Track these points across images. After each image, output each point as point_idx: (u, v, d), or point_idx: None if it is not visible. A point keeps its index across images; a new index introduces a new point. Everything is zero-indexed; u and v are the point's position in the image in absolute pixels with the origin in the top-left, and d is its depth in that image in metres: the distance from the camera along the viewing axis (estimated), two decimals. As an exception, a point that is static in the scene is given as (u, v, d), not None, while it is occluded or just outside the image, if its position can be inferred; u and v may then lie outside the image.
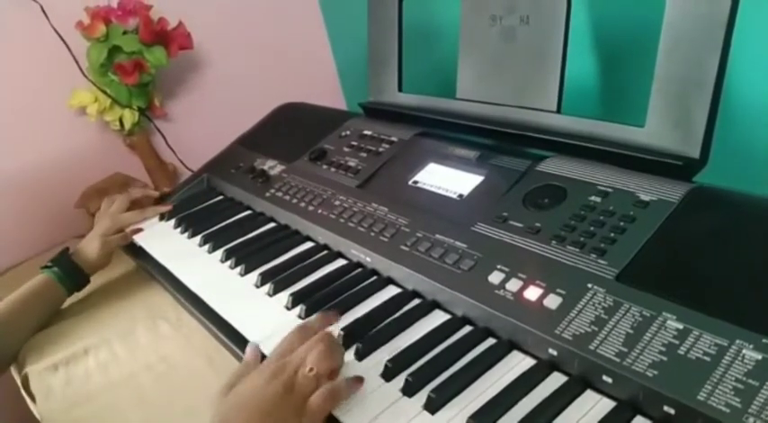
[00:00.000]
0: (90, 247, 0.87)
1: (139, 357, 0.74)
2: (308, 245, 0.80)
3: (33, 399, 0.71)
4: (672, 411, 0.43)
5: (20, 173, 1.10)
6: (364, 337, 0.59)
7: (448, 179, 0.75)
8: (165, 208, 0.97)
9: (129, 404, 0.67)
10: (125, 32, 1.04)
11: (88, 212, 1.10)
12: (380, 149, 0.86)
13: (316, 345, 0.54)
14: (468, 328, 0.58)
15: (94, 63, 1.05)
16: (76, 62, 1.08)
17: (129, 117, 1.12)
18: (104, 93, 1.09)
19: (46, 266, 0.83)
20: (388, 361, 0.55)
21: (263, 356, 0.59)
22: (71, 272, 0.84)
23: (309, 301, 0.66)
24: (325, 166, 0.89)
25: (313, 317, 0.62)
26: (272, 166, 0.96)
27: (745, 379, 0.41)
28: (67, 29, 1.04)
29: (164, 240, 0.90)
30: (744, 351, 0.43)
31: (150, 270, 0.86)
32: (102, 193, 1.11)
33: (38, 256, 1.11)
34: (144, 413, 0.65)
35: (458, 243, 0.64)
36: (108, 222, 0.90)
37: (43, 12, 1.04)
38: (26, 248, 1.12)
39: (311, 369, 0.51)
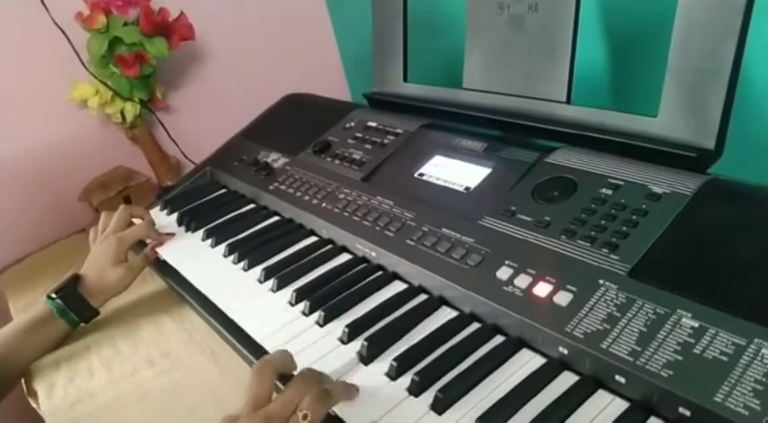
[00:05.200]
0: (106, 277, 0.77)
1: (142, 353, 0.73)
2: (313, 239, 0.79)
3: (35, 396, 0.71)
4: (687, 413, 0.42)
5: (21, 167, 1.09)
6: (369, 334, 0.58)
7: (454, 172, 0.73)
8: (167, 238, 0.87)
9: (132, 400, 0.66)
10: (125, 24, 1.03)
11: (91, 206, 1.10)
12: (385, 141, 0.85)
13: (310, 388, 0.48)
14: (476, 326, 0.57)
15: (95, 55, 1.04)
16: (77, 54, 1.07)
17: (131, 109, 1.11)
18: (105, 85, 1.08)
19: (50, 297, 0.75)
20: (394, 359, 0.54)
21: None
22: (77, 306, 0.76)
23: (314, 296, 0.65)
24: (329, 159, 0.87)
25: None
26: (276, 159, 0.94)
27: (764, 380, 0.40)
28: (67, 20, 1.02)
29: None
30: (763, 350, 0.41)
31: (153, 265, 0.85)
32: (105, 187, 1.10)
33: (41, 251, 1.10)
34: (147, 409, 0.65)
35: (465, 237, 0.62)
36: (114, 245, 0.79)
37: (42, 3, 1.02)
38: (29, 243, 1.11)
39: (305, 415, 0.46)
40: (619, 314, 0.48)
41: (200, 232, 0.86)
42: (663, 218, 0.54)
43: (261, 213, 0.88)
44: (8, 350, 0.72)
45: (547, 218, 0.60)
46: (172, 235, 0.88)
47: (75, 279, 0.77)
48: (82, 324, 0.78)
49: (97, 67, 1.07)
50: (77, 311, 0.76)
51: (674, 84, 0.60)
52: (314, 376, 0.50)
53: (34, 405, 0.71)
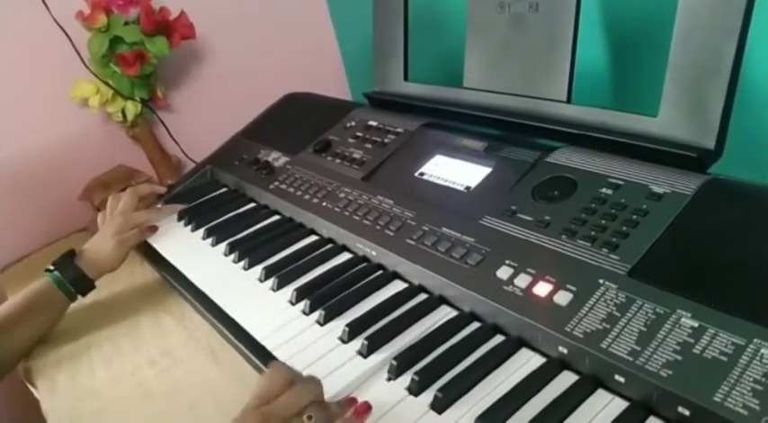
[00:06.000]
0: (102, 248, 0.81)
1: (143, 352, 0.73)
2: (313, 238, 0.79)
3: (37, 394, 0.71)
4: (686, 413, 0.42)
5: (22, 166, 1.09)
6: (369, 333, 0.58)
7: (455, 171, 0.73)
8: (181, 206, 0.93)
9: (133, 399, 0.66)
10: (126, 23, 1.03)
11: (92, 205, 1.10)
12: (386, 140, 0.85)
13: (315, 395, 0.49)
14: (475, 325, 0.57)
15: (96, 54, 1.04)
16: (78, 53, 1.07)
17: (132, 108, 1.11)
18: (106, 84, 1.08)
19: (48, 269, 0.78)
20: (394, 358, 0.54)
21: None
22: (73, 276, 0.78)
23: (314, 295, 0.65)
24: (329, 158, 0.87)
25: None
26: (277, 158, 0.94)
27: (763, 379, 0.40)
28: (68, 19, 1.02)
29: (167, 233, 0.89)
30: (762, 350, 0.41)
31: (153, 263, 0.86)
32: (106, 186, 1.10)
33: (42, 250, 1.10)
34: (147, 407, 0.65)
35: (465, 237, 0.62)
36: (120, 222, 0.83)
37: (43, 2, 1.02)
38: (29, 242, 1.11)
39: (310, 416, 0.46)
40: (618, 314, 0.48)
41: (201, 231, 0.86)
42: (663, 218, 0.54)
43: (261, 212, 0.88)
44: (9, 321, 0.73)
45: (547, 217, 0.60)
46: (177, 208, 0.92)
47: (72, 253, 0.80)
48: (79, 297, 0.80)
49: (98, 65, 1.06)
50: (73, 282, 0.78)
51: (674, 83, 0.60)
52: (319, 387, 0.50)
53: (37, 395, 0.71)
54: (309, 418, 0.46)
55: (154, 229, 0.89)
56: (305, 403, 0.47)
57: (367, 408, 0.50)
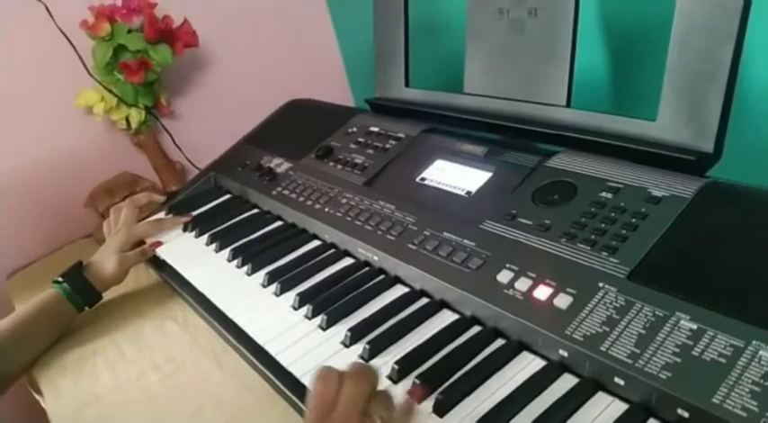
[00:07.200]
0: (105, 263, 0.82)
1: (147, 357, 0.73)
2: (315, 243, 0.79)
3: (42, 399, 0.71)
4: (686, 414, 0.42)
5: (28, 173, 1.10)
6: (371, 337, 0.59)
7: (456, 176, 0.74)
8: (185, 219, 0.92)
9: (138, 404, 0.67)
10: (130, 31, 1.04)
11: (96, 212, 1.11)
12: (387, 146, 0.85)
13: (370, 386, 0.45)
14: (476, 329, 0.58)
15: (100, 62, 1.05)
16: (82, 61, 1.08)
17: (136, 116, 1.12)
18: (110, 92, 1.09)
19: (56, 281, 0.79)
20: (395, 362, 0.54)
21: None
22: (82, 288, 0.79)
23: (316, 300, 0.66)
24: (331, 164, 0.88)
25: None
26: (279, 164, 0.95)
27: (762, 381, 0.40)
28: (72, 28, 1.03)
29: (171, 239, 0.90)
30: (761, 352, 0.41)
31: (157, 269, 0.86)
32: (110, 193, 1.11)
33: (47, 256, 1.11)
34: (152, 413, 0.65)
35: (466, 241, 0.63)
36: (123, 236, 0.85)
37: (48, 11, 1.03)
38: (35, 249, 1.12)
39: (381, 417, 0.43)
40: (618, 317, 0.48)
41: (205, 237, 0.87)
42: (662, 221, 0.54)
43: (264, 218, 0.89)
44: (18, 331, 0.73)
45: (547, 221, 0.60)
46: (181, 220, 0.92)
47: (79, 265, 0.81)
48: (86, 308, 0.81)
49: (102, 73, 1.07)
50: (82, 294, 0.79)
51: (672, 87, 0.60)
52: (368, 373, 0.46)
53: (42, 405, 0.71)
54: (381, 418, 0.43)
55: (158, 244, 0.88)
56: (364, 398, 0.44)
57: (422, 390, 0.49)
